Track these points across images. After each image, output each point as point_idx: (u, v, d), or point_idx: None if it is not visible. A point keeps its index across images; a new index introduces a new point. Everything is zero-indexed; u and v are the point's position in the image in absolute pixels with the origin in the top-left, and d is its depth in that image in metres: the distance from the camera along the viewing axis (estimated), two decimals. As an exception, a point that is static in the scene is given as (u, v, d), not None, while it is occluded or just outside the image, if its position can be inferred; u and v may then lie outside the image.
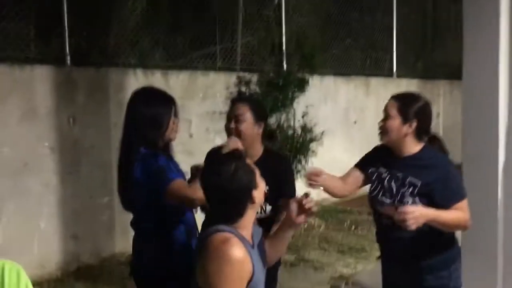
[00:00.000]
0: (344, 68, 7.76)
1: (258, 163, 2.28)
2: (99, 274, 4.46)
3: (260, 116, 2.55)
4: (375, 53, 8.47)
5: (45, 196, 4.42)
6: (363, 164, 2.59)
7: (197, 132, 5.55)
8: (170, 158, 2.32)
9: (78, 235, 4.59)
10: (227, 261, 1.68)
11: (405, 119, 2.30)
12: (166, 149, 2.35)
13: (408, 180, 2.29)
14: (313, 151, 6.11)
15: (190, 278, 1.82)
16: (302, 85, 6.14)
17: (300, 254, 5.03)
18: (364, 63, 8.36)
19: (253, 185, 1.81)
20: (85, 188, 4.58)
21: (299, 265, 4.75)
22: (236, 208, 1.80)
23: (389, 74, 8.71)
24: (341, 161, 7.62)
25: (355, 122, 7.83)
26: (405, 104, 2.33)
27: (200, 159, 5.62)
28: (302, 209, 1.90)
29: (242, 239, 1.78)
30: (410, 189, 2.28)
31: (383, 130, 2.38)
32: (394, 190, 2.34)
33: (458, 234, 2.51)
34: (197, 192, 2.00)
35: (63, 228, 4.52)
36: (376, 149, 2.59)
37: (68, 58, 4.62)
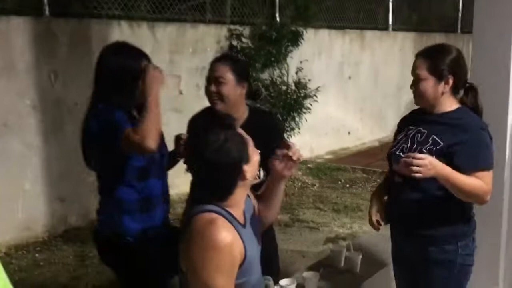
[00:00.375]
0: (338, 20, 7.45)
1: (244, 124, 2.24)
2: (87, 237, 4.30)
3: (242, 76, 2.38)
4: (369, 5, 8.15)
5: (28, 157, 4.20)
6: (397, 131, 2.34)
7: (187, 88, 5.30)
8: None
9: (65, 197, 4.41)
10: (213, 245, 1.51)
11: (439, 78, 2.08)
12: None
13: (431, 137, 2.10)
14: (307, 108, 5.91)
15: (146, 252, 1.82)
16: (296, 39, 5.87)
17: (294, 214, 4.93)
18: (358, 15, 8.05)
19: (244, 159, 1.61)
20: (70, 148, 4.32)
21: (293, 226, 4.65)
22: (224, 185, 1.62)
23: (384, 27, 8.42)
24: (335, 118, 7.54)
25: (349, 78, 7.61)
26: (436, 61, 2.08)
27: (189, 117, 5.34)
28: (288, 160, 1.77)
29: (231, 219, 1.61)
30: (431, 146, 2.09)
31: (417, 95, 2.13)
32: (415, 145, 2.14)
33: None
34: (146, 135, 1.90)
35: (48, 190, 4.33)
36: (411, 112, 2.35)
37: (47, 8, 4.28)
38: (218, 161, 1.56)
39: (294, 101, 5.78)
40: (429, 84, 2.08)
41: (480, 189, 2.03)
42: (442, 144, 2.07)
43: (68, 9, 4.50)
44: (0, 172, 4.02)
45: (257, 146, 2.23)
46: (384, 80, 8.27)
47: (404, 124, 2.28)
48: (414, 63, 2.13)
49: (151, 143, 1.92)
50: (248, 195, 1.84)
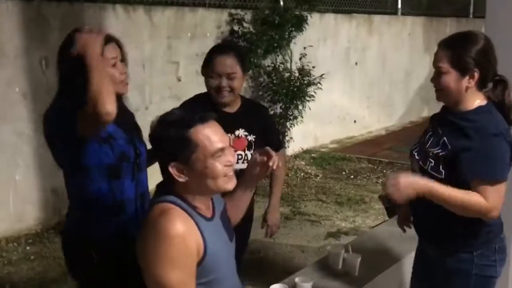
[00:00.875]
0: (345, 5, 7.20)
1: (238, 113, 2.34)
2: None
3: (246, 67, 2.39)
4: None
5: (19, 146, 4.06)
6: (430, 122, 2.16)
7: (186, 75, 5.12)
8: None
9: (58, 188, 4.26)
10: (164, 237, 1.40)
11: (463, 72, 1.85)
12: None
13: (442, 140, 1.91)
14: (311, 96, 5.71)
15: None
16: (300, 24, 5.65)
17: (295, 206, 4.76)
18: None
19: (176, 158, 1.48)
20: (63, 137, 4.22)
21: (294, 219, 4.49)
22: (164, 173, 1.53)
23: (393, 11, 8.14)
24: (340, 105, 7.32)
25: (356, 64, 7.38)
26: (459, 52, 1.85)
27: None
28: (264, 168, 1.67)
29: (191, 211, 1.49)
30: (438, 151, 1.91)
31: (438, 90, 1.92)
32: (426, 146, 1.98)
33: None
34: (98, 98, 1.64)
35: (41, 181, 4.20)
36: (430, 119, 2.14)
37: (38, -8, 4.10)
38: (155, 140, 1.54)
39: (297, 89, 5.59)
40: (451, 78, 1.86)
41: (477, 205, 1.80)
42: (448, 148, 1.88)
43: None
44: (-11, 163, 3.90)
45: (250, 130, 2.32)
46: (392, 66, 8.02)
47: (432, 120, 2.09)
48: (435, 54, 1.91)
49: (108, 106, 1.65)
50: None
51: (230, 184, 1.54)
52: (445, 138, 1.90)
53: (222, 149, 1.49)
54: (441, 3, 9.31)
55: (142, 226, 1.48)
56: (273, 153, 1.66)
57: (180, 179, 1.48)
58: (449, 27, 9.01)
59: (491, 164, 1.82)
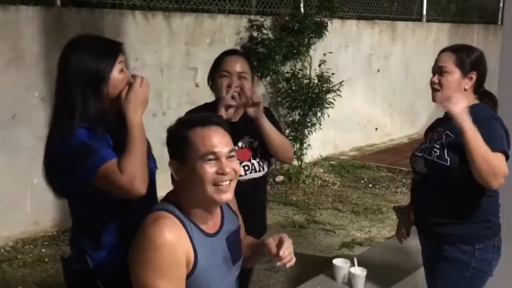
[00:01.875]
0: (368, 11, 7.11)
1: (240, 121, 2.24)
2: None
3: (254, 73, 2.31)
4: (404, -6, 7.78)
5: (37, 149, 4.05)
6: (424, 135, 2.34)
7: (204, 81, 5.04)
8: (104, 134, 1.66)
9: (74, 191, 4.34)
10: (151, 244, 1.39)
11: (464, 72, 2.07)
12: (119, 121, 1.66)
13: (445, 133, 2.08)
14: (330, 103, 5.65)
15: None
16: (319, 30, 5.60)
17: (311, 214, 4.71)
18: (391, 5, 7.68)
19: (175, 156, 1.51)
20: (80, 142, 4.28)
21: (308, 227, 4.44)
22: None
23: (418, 17, 8.00)
24: (361, 113, 7.22)
25: (378, 71, 7.28)
26: (462, 55, 2.09)
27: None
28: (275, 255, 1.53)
29: (186, 221, 1.47)
30: (442, 140, 2.07)
31: (439, 86, 2.08)
32: (429, 143, 2.15)
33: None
34: (135, 177, 1.52)
35: (58, 184, 4.26)
36: (439, 118, 2.29)
37: (58, -2, 4.19)
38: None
39: (316, 96, 5.53)
40: (454, 77, 2.06)
41: (496, 161, 1.90)
42: (452, 136, 2.03)
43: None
44: (8, 165, 3.97)
45: (255, 136, 2.23)
46: (416, 73, 7.87)
47: (428, 130, 2.26)
48: (439, 58, 2.12)
49: (141, 186, 1.54)
50: (235, 213, 1.70)
51: (223, 196, 1.47)
52: (447, 131, 2.06)
53: (214, 153, 1.45)
54: (469, 9, 9.12)
55: (136, 234, 1.47)
56: (287, 244, 1.52)
57: (177, 177, 1.50)
58: (477, 34, 8.81)
59: (496, 138, 1.96)
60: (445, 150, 2.03)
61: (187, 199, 1.50)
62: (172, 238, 1.40)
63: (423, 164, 2.11)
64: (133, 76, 1.69)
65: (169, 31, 4.87)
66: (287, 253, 1.51)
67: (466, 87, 2.07)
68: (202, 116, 1.57)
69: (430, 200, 2.12)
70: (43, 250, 3.95)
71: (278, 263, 1.52)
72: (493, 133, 1.97)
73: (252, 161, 2.23)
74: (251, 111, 2.12)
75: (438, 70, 2.09)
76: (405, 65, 7.68)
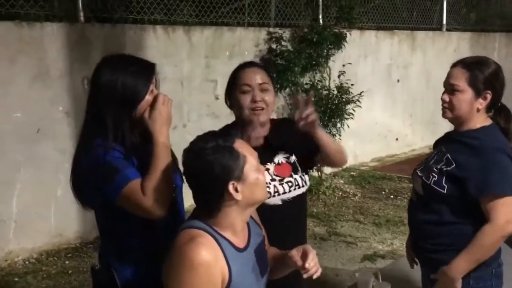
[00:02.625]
0: (387, 21, 7.09)
1: (271, 137, 2.05)
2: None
3: (274, 84, 2.17)
4: (423, 4, 7.72)
5: (61, 163, 4.20)
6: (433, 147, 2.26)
7: (223, 93, 5.15)
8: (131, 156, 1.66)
9: (97, 203, 4.39)
10: (188, 264, 1.38)
11: (478, 92, 1.92)
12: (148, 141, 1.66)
13: (446, 156, 1.97)
14: (349, 114, 5.63)
15: None
16: (338, 41, 5.61)
17: (332, 226, 4.68)
18: (411, 15, 7.65)
19: (232, 175, 1.43)
20: (103, 155, 4.34)
21: (329, 239, 4.41)
22: (207, 201, 1.47)
23: (438, 27, 7.95)
24: (381, 123, 7.17)
25: (398, 81, 7.23)
26: (476, 72, 1.92)
27: (226, 123, 5.16)
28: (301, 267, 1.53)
29: (219, 239, 1.46)
30: (442, 166, 1.95)
31: (449, 107, 1.96)
32: (430, 163, 2.03)
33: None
34: (157, 199, 1.54)
35: (81, 196, 4.32)
36: (447, 132, 2.20)
37: (81, 14, 4.28)
38: (200, 172, 1.43)
39: (335, 107, 5.52)
40: (466, 97, 1.93)
41: (489, 235, 1.84)
42: (453, 165, 1.92)
43: (106, 14, 4.51)
44: (33, 178, 4.05)
45: (290, 151, 2.08)
46: (437, 83, 7.70)
47: (436, 145, 2.16)
48: (451, 73, 1.99)
49: (162, 208, 1.56)
50: (259, 224, 1.69)
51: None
52: (448, 154, 1.97)
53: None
54: (490, 18, 9.02)
55: (169, 252, 1.45)
56: (311, 255, 1.52)
57: (238, 197, 1.45)
58: (498, 42, 8.70)
59: (497, 178, 1.84)
60: (444, 177, 1.94)
61: (229, 218, 1.48)
62: (208, 257, 1.39)
63: (421, 185, 2.03)
64: (155, 96, 1.66)
65: (189, 44, 4.93)
66: (313, 264, 1.51)
67: (480, 108, 1.94)
68: (224, 135, 1.50)
69: (425, 224, 2.03)
70: (67, 262, 4.00)
71: (305, 275, 1.51)
72: (494, 172, 1.85)
73: (294, 176, 2.05)
74: (303, 126, 1.85)
75: (449, 87, 1.97)
76: (426, 75, 7.62)
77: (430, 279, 2.04)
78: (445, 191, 1.92)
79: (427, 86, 7.68)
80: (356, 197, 5.52)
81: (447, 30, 7.98)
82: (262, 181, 1.52)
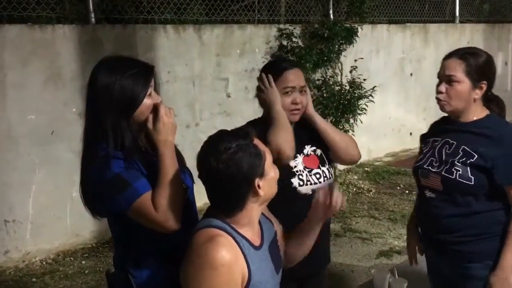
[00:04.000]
0: (399, 15, 7.02)
1: (297, 130, 2.09)
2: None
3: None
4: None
5: (75, 164, 4.12)
6: (421, 141, 2.24)
7: (235, 91, 5.17)
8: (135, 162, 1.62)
9: (112, 203, 4.42)
10: (209, 264, 1.36)
11: (474, 82, 1.93)
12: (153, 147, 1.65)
13: (462, 148, 1.95)
14: (362, 109, 5.59)
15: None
16: (350, 36, 5.56)
17: (346, 223, 4.65)
18: (423, 7, 7.56)
19: (258, 173, 1.44)
20: (116, 155, 4.36)
21: (345, 236, 4.38)
22: (233, 199, 1.45)
23: (451, 19, 7.85)
24: (395, 118, 7.12)
25: (411, 75, 7.16)
26: (472, 63, 1.93)
27: (238, 121, 5.17)
28: (328, 207, 1.61)
29: (239, 238, 1.46)
30: (463, 159, 1.93)
31: (448, 98, 1.96)
32: (443, 157, 1.99)
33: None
34: (167, 213, 1.53)
35: (96, 196, 4.36)
36: (434, 123, 2.23)
37: (92, 15, 4.30)
38: (227, 172, 1.40)
39: (348, 102, 5.49)
40: (464, 87, 1.93)
41: None
42: (476, 156, 1.91)
43: (117, 15, 4.53)
44: (48, 179, 4.09)
45: (316, 144, 2.15)
46: (451, 76, 7.71)
47: (427, 137, 2.16)
48: (446, 64, 1.99)
49: (175, 223, 1.54)
50: (269, 220, 1.69)
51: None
52: (464, 146, 1.94)
53: None
54: (504, 8, 8.88)
55: (187, 252, 1.44)
56: (336, 192, 1.60)
57: (261, 194, 1.45)
58: (513, 33, 8.58)
59: None
60: (468, 169, 1.92)
61: (245, 219, 1.48)
62: (229, 258, 1.38)
63: (440, 181, 1.99)
64: (156, 105, 1.63)
65: (200, 43, 4.93)
66: (339, 199, 1.60)
67: (476, 97, 1.95)
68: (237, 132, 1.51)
69: (452, 217, 2.00)
70: (83, 262, 4.03)
71: (334, 213, 1.61)
72: None
73: (322, 168, 2.12)
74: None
75: (445, 78, 1.96)
76: (439, 68, 7.52)
77: (461, 275, 2.03)
78: (472, 183, 1.92)
79: (441, 79, 7.60)
80: (371, 192, 5.48)
81: (460, 22, 7.88)
82: (277, 176, 1.53)
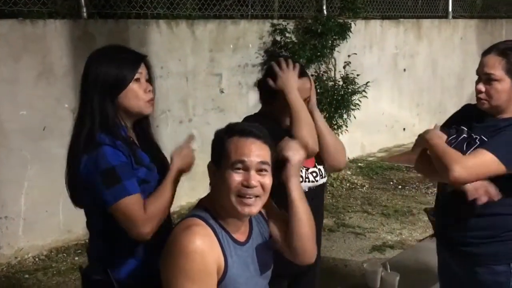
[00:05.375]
0: (392, 10, 7.03)
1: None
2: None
3: None
4: (429, -8, 7.66)
5: None
6: (447, 125, 2.09)
7: (228, 87, 5.16)
8: (134, 149, 1.69)
9: (105, 199, 4.40)
10: (182, 252, 1.39)
11: None
12: (142, 131, 1.77)
13: (479, 138, 1.89)
14: (356, 104, 5.60)
15: None
16: (343, 32, 5.56)
17: (340, 218, 4.67)
18: (416, 3, 7.57)
19: (215, 160, 1.51)
20: (109, 151, 4.34)
21: (338, 231, 4.40)
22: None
23: (444, 15, 7.87)
24: (388, 113, 7.13)
25: (404, 70, 7.18)
26: None
27: (232, 116, 5.15)
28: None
29: (217, 228, 1.47)
30: (476, 145, 1.87)
31: (488, 97, 1.86)
32: (464, 149, 1.91)
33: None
34: (150, 220, 1.58)
35: (88, 192, 4.34)
36: (465, 107, 2.10)
37: (84, 10, 4.27)
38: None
39: (341, 98, 5.49)
40: (504, 86, 1.84)
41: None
42: (486, 140, 1.84)
43: (109, 10, 4.50)
44: (41, 176, 4.06)
45: None
46: (444, 72, 7.74)
47: (461, 118, 2.01)
48: (485, 60, 1.87)
49: (152, 231, 1.59)
50: (265, 219, 1.66)
51: (246, 209, 1.45)
52: (483, 136, 1.87)
53: (242, 162, 1.43)
54: (496, 4, 8.91)
55: (167, 241, 1.47)
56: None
57: (211, 182, 1.50)
58: (505, 29, 8.60)
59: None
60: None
61: (219, 205, 1.50)
62: (203, 246, 1.40)
63: None
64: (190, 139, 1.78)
65: (193, 38, 4.91)
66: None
67: None
68: (244, 126, 1.54)
69: (459, 216, 1.93)
70: (76, 258, 4.02)
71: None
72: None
73: (318, 167, 2.13)
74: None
75: (484, 76, 1.86)
76: (432, 64, 7.55)
77: (468, 279, 1.97)
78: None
79: (434, 75, 7.62)
80: (364, 188, 5.50)
81: (453, 17, 7.90)
82: (228, 182, 1.47)
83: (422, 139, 1.97)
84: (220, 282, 1.45)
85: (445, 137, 1.94)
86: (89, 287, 1.78)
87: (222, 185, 1.46)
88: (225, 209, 1.49)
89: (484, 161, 1.77)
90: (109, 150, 1.59)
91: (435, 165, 1.86)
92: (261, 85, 2.10)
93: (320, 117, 2.10)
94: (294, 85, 1.93)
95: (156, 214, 1.60)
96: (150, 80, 1.75)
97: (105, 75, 1.64)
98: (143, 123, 1.79)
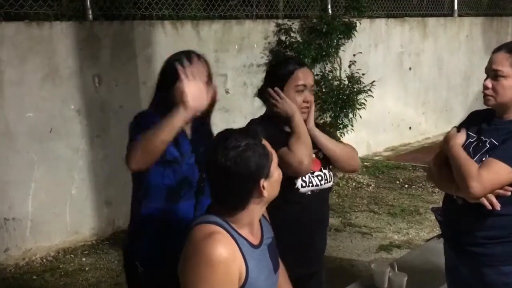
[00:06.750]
0: (397, 9, 7.00)
1: None
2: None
3: None
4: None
5: (74, 161, 4.23)
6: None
7: (234, 87, 5.16)
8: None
9: (112, 200, 4.42)
10: (207, 262, 1.35)
11: None
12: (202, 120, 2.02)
13: (489, 141, 1.88)
14: (361, 104, 5.58)
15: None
16: (348, 31, 5.55)
17: (346, 217, 4.65)
18: (421, 1, 7.54)
19: (264, 174, 1.43)
20: (115, 152, 4.33)
21: (344, 230, 4.39)
22: (237, 198, 1.44)
23: (450, 13, 7.83)
24: (394, 112, 7.11)
25: (410, 69, 7.15)
26: None
27: (237, 117, 5.16)
28: None
29: (236, 236, 1.45)
30: (486, 148, 1.86)
31: (494, 93, 1.86)
32: (472, 154, 1.89)
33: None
34: (133, 156, 1.76)
35: (95, 193, 4.35)
36: (471, 114, 2.09)
37: (90, 12, 4.28)
38: (234, 170, 1.39)
39: (347, 97, 5.48)
40: (511, 82, 1.84)
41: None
42: (496, 144, 1.83)
43: (114, 12, 4.51)
44: (47, 177, 4.08)
45: (317, 147, 2.12)
46: (450, 70, 7.71)
47: (470, 124, 2.00)
48: (493, 58, 1.88)
49: (134, 165, 1.77)
50: (266, 219, 1.67)
51: None
52: (493, 139, 1.86)
53: None
54: (503, 2, 8.86)
55: (184, 247, 1.44)
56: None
57: (265, 195, 1.45)
58: (511, 27, 8.56)
59: None
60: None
61: (246, 218, 1.48)
62: (227, 255, 1.37)
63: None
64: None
65: (198, 39, 4.91)
66: None
67: None
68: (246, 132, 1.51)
69: (466, 216, 1.92)
70: (84, 259, 4.03)
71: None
72: None
73: (324, 171, 2.11)
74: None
75: (492, 73, 1.87)
76: (438, 62, 7.52)
77: (477, 281, 1.95)
78: None
79: (440, 73, 7.59)
80: (370, 187, 5.48)
81: (459, 15, 7.86)
82: (280, 178, 1.52)
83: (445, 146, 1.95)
84: (242, 287, 1.43)
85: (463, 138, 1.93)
86: (124, 258, 2.03)
87: (278, 182, 1.52)
88: (267, 202, 1.50)
89: (499, 172, 1.77)
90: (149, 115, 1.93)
91: (455, 177, 1.84)
92: (262, 95, 2.11)
93: (319, 133, 2.09)
94: (293, 107, 1.99)
95: (137, 147, 1.76)
96: (208, 78, 2.01)
97: (170, 68, 1.95)
98: (202, 118, 2.00)
